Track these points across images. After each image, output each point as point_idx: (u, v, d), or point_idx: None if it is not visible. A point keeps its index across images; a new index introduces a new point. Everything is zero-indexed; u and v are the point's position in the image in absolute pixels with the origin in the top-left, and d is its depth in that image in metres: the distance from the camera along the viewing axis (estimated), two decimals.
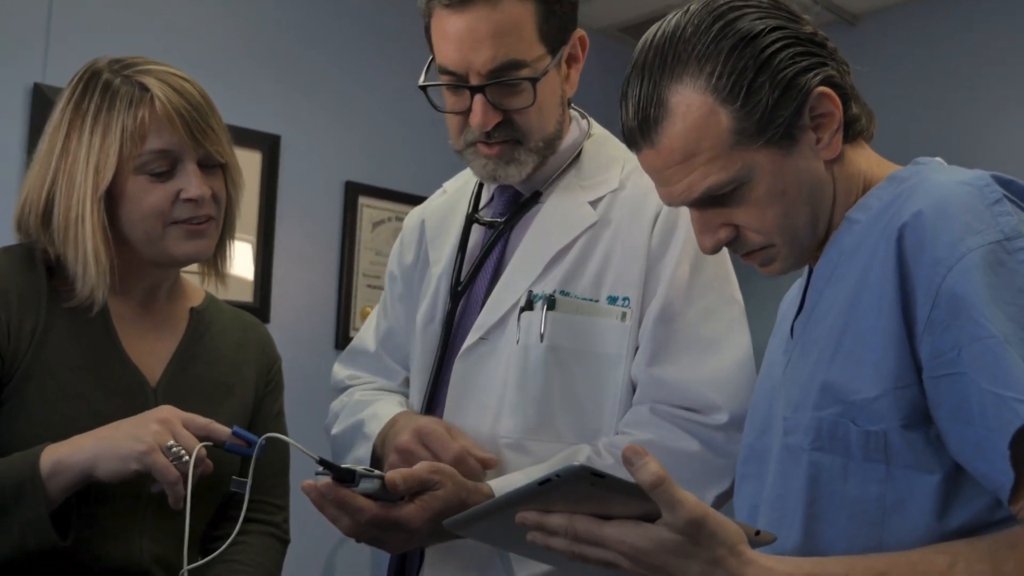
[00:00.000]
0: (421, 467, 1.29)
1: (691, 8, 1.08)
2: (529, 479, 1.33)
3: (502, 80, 1.36)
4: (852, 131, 1.10)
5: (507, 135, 1.41)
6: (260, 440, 1.25)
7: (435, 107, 1.44)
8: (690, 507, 0.90)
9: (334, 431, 1.60)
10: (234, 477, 1.27)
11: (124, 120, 1.31)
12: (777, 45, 1.04)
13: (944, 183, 0.99)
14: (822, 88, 1.05)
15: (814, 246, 1.12)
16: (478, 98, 1.37)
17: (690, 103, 1.04)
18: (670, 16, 1.10)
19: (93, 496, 1.26)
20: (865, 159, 1.13)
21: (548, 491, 0.92)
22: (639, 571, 0.95)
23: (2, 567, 1.23)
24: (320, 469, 1.24)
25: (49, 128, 1.35)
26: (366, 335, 1.71)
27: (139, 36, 2.85)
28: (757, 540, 0.97)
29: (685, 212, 1.41)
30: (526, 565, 1.33)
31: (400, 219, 3.49)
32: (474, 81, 1.36)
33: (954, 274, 0.92)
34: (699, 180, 1.06)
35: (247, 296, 3.07)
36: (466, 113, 1.40)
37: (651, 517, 0.93)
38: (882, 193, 1.08)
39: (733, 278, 1.46)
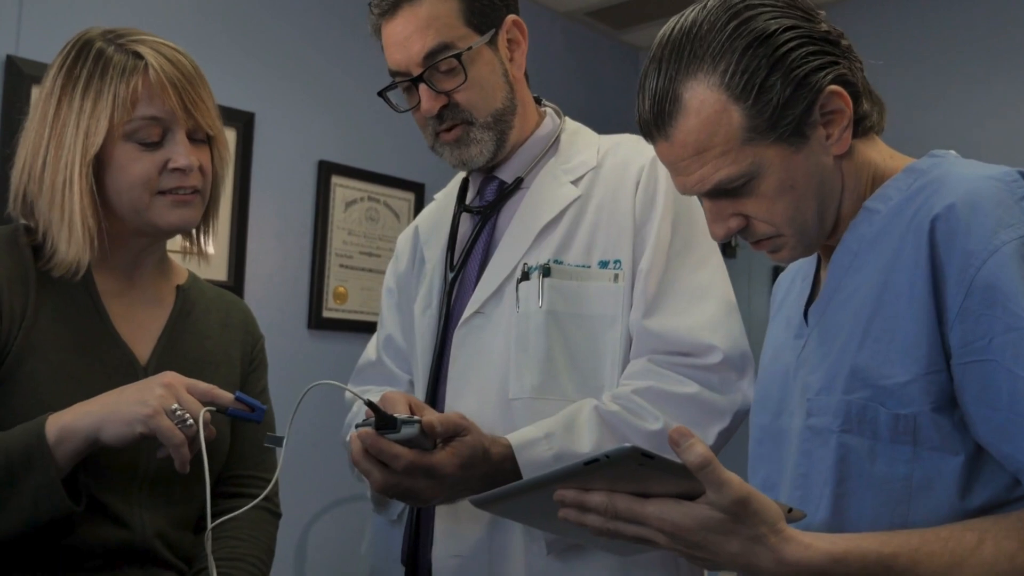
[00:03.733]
0: (454, 413, 1.36)
1: (708, 4, 1.10)
2: (541, 431, 1.38)
3: (435, 62, 1.47)
4: (862, 127, 1.14)
5: (456, 117, 1.50)
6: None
7: (395, 109, 1.57)
8: (736, 487, 0.93)
9: (347, 439, 1.62)
10: (268, 434, 1.30)
11: (117, 87, 1.30)
12: (791, 44, 1.06)
13: (972, 177, 1.03)
14: (833, 87, 1.08)
15: (823, 236, 1.15)
16: (422, 87, 1.49)
17: (703, 99, 1.07)
18: (688, 11, 1.12)
19: (90, 473, 1.26)
20: (876, 151, 1.16)
21: (593, 471, 0.93)
22: (675, 548, 0.97)
23: (5, 551, 1.22)
24: (363, 418, 1.29)
25: (41, 95, 1.34)
26: (369, 350, 1.77)
27: (113, 11, 2.80)
28: (790, 517, 1.00)
29: (664, 178, 1.48)
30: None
31: (373, 199, 3.48)
32: (415, 73, 1.48)
33: (988, 266, 0.96)
34: (711, 173, 1.09)
35: (221, 274, 3.04)
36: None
37: (689, 495, 0.95)
38: (900, 184, 1.11)
39: None
